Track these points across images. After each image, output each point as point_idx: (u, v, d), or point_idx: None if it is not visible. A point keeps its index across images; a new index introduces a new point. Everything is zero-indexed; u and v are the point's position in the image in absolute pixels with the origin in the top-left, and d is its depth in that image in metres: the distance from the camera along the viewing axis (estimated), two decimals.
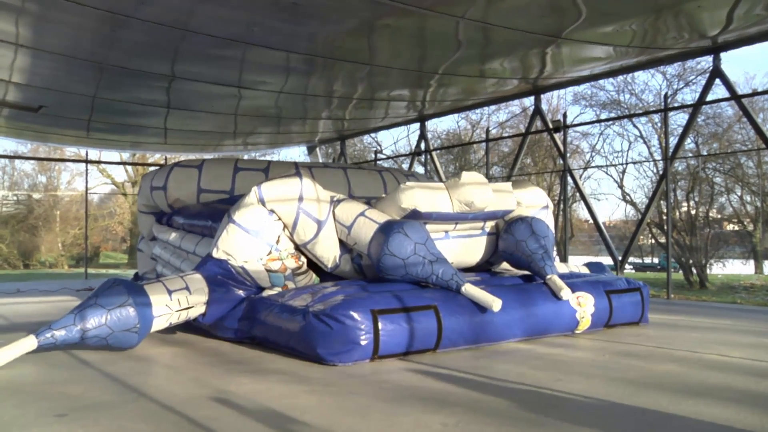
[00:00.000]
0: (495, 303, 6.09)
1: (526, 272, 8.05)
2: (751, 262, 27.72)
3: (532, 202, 8.33)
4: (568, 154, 14.06)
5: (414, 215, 6.89)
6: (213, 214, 7.47)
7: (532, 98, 14.57)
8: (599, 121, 25.42)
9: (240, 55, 9.43)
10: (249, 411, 4.02)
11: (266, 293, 6.58)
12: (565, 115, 14.21)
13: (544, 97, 23.43)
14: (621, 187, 27.02)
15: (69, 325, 5.51)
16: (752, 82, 29.34)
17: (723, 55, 10.47)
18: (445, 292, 6.33)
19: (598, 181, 51.96)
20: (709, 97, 12.05)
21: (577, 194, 12.80)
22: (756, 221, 25.55)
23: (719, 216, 27.09)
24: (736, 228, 27.47)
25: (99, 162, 28.26)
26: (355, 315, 5.46)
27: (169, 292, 6.18)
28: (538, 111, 14.37)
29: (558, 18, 8.05)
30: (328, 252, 6.89)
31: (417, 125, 17.09)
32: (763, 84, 25.76)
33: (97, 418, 3.86)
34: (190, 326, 7.48)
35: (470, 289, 6.27)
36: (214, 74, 10.09)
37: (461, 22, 8.12)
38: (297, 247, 6.93)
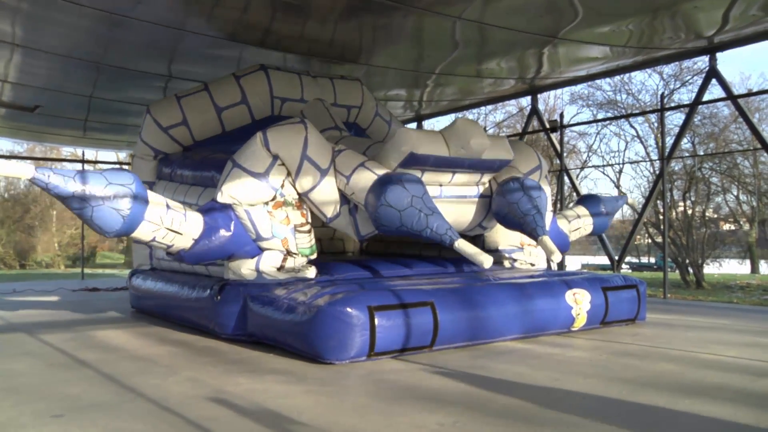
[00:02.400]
0: (486, 260, 6.13)
1: (523, 272, 8.07)
2: (747, 261, 27.81)
3: (524, 163, 8.22)
4: (564, 154, 14.08)
5: (411, 159, 6.82)
6: (220, 164, 7.43)
7: (528, 98, 14.58)
8: (596, 121, 25.48)
9: (237, 55, 9.42)
10: (246, 411, 4.02)
11: (263, 267, 6.60)
12: (561, 115, 14.21)
13: (541, 97, 23.48)
14: (618, 186, 27.12)
15: (68, 177, 5.47)
16: (748, 82, 29.46)
17: (719, 55, 10.50)
18: (441, 288, 6.34)
19: (595, 180, 52.15)
20: (706, 97, 12.08)
21: (574, 194, 12.80)
22: (752, 221, 25.62)
23: (715, 216, 27.20)
24: (733, 228, 27.56)
25: (95, 162, 28.16)
26: (352, 311, 5.47)
27: (167, 208, 6.17)
28: (534, 111, 14.39)
29: (555, 18, 8.06)
30: (329, 201, 6.93)
31: (414, 125, 17.11)
32: (759, 84, 25.86)
33: (95, 419, 3.86)
34: (187, 327, 7.49)
35: (462, 245, 6.32)
36: (210, 74, 10.07)
37: (458, 22, 8.13)
38: (300, 197, 6.95)
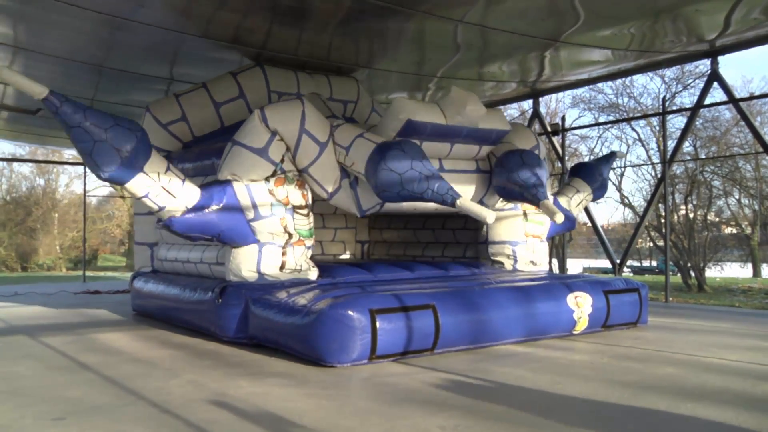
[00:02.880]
0: (489, 215, 6.19)
1: (524, 275, 8.07)
2: (749, 265, 27.76)
3: (522, 143, 8.23)
4: (566, 158, 14.08)
5: (408, 127, 6.83)
6: (219, 151, 7.45)
7: (530, 101, 14.60)
8: (598, 124, 25.47)
9: (238, 59, 9.42)
10: (247, 414, 4.01)
11: (265, 269, 6.62)
12: (563, 119, 14.22)
13: (543, 101, 23.51)
14: (619, 190, 27.07)
15: (78, 108, 5.65)
16: (750, 86, 29.38)
17: (721, 58, 10.50)
18: (443, 291, 6.33)
19: None
20: (707, 101, 12.09)
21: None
22: (754, 224, 25.59)
23: (717, 219, 27.15)
24: (734, 231, 27.51)
25: None
26: (354, 314, 5.46)
27: (168, 169, 6.22)
28: (536, 114, 14.39)
29: (556, 21, 8.07)
30: (329, 176, 6.97)
31: None
32: (761, 87, 25.78)
33: (95, 422, 3.86)
34: (188, 330, 7.49)
35: (465, 203, 6.37)
36: (212, 77, 10.07)
37: (460, 26, 8.14)
38: (300, 174, 6.97)
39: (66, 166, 32.67)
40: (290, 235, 6.86)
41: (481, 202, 8.00)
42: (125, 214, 33.02)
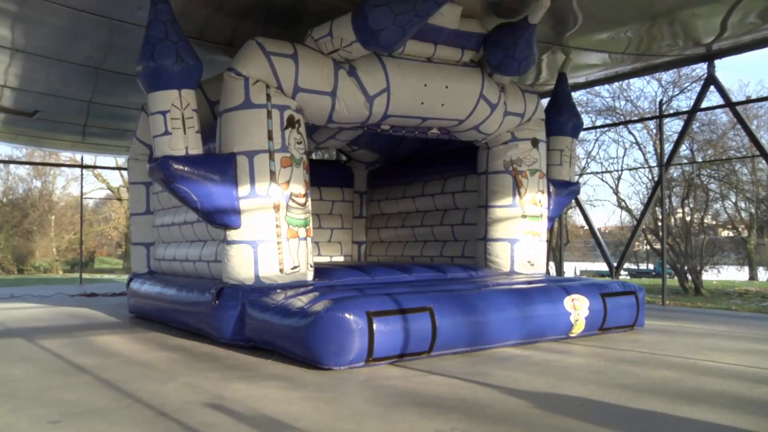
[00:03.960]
0: None
1: (521, 278, 8.07)
2: (746, 268, 27.82)
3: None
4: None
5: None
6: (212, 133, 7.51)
7: None
8: (595, 127, 25.51)
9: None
10: (244, 417, 4.01)
11: (262, 272, 6.60)
12: None
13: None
14: (616, 193, 27.21)
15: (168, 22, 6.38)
16: (746, 89, 29.47)
17: (717, 62, 10.54)
18: (440, 294, 6.32)
19: (594, 187, 52.10)
20: (704, 104, 12.13)
21: (573, 200, 12.81)
22: (750, 228, 25.65)
23: (714, 222, 27.20)
24: (731, 234, 27.57)
25: (94, 167, 28.22)
26: (350, 317, 5.46)
27: (194, 111, 6.55)
28: None
29: (554, 25, 8.09)
30: (321, 76, 6.96)
31: None
32: (757, 91, 25.89)
33: (92, 425, 3.85)
34: (185, 332, 7.48)
35: None
36: (207, 77, 10.07)
37: None
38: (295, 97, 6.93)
39: (63, 168, 32.66)
40: (278, 227, 6.74)
41: (477, 130, 8.16)
42: (122, 216, 33.00)
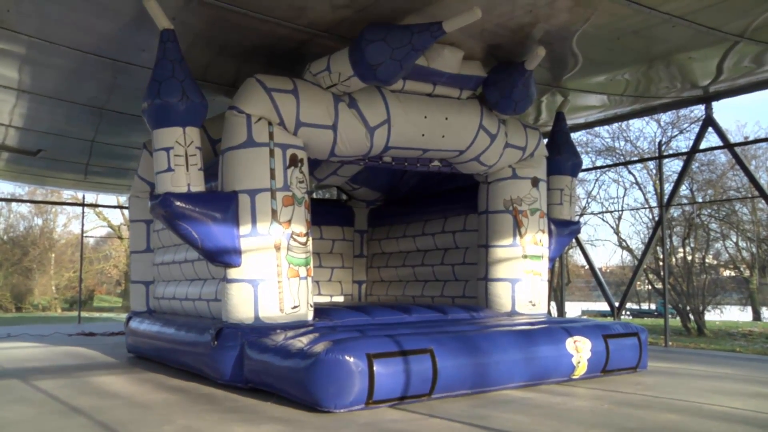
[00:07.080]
0: (474, 10, 6.05)
1: (523, 318, 8.00)
2: (749, 308, 27.63)
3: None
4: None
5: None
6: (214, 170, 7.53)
7: None
8: (595, 168, 25.64)
9: None
10: None
11: (262, 312, 6.54)
12: None
13: None
14: (617, 233, 27.12)
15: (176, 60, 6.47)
16: (744, 130, 29.71)
17: (715, 104, 10.63)
18: (440, 335, 6.26)
19: (595, 227, 52.06)
20: (703, 144, 12.21)
21: (574, 240, 12.79)
22: (752, 267, 25.56)
23: (715, 262, 27.12)
24: (733, 274, 27.45)
25: (95, 205, 28.30)
26: (351, 359, 5.40)
27: (198, 149, 6.57)
28: None
29: (553, 67, 8.20)
30: (321, 109, 7.03)
31: None
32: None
33: None
34: (184, 372, 7.39)
35: (450, 21, 6.23)
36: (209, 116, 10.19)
37: None
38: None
39: (64, 206, 32.75)
40: (279, 266, 6.71)
41: (477, 161, 8.18)
42: (122, 254, 32.94)
